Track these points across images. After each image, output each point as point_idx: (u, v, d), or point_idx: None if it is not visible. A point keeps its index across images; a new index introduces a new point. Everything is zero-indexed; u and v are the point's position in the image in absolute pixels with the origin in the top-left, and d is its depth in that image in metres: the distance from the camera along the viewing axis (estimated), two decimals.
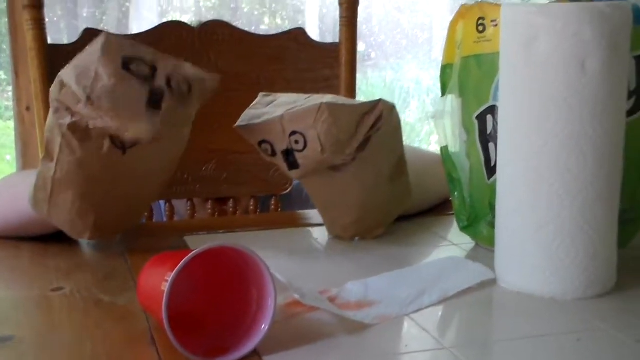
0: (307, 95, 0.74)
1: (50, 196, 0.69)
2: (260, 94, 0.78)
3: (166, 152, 0.70)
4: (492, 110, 0.72)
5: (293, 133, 0.70)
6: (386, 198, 0.78)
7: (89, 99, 0.62)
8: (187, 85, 0.67)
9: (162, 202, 1.15)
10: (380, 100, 0.71)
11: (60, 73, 0.65)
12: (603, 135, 0.60)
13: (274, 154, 0.73)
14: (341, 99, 0.73)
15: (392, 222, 0.81)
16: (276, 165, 0.74)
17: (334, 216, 0.79)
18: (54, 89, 0.65)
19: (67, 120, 0.64)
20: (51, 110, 0.66)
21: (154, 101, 0.64)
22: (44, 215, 0.71)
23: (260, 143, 0.73)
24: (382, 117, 0.71)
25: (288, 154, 0.71)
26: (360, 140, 0.71)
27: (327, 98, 0.71)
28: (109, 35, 0.64)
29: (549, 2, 0.67)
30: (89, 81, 0.62)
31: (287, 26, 2.38)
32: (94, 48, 0.63)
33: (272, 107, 0.74)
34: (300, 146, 0.70)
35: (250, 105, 0.76)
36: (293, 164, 0.72)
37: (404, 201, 0.80)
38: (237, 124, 0.74)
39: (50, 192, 0.69)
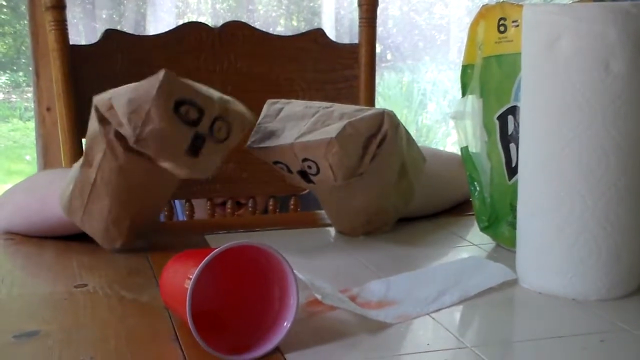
0: (314, 106, 0.73)
1: (86, 204, 0.70)
2: (268, 102, 0.78)
3: None
4: (513, 110, 0.72)
5: (305, 160, 0.70)
6: (392, 200, 0.78)
7: (137, 140, 0.64)
8: (227, 129, 0.68)
9: (181, 202, 1.16)
10: (384, 114, 0.71)
11: (112, 94, 0.65)
12: (626, 136, 0.59)
13: (289, 172, 0.74)
14: (346, 110, 0.72)
15: (412, 222, 0.81)
16: None
17: (342, 219, 0.79)
18: (100, 103, 0.65)
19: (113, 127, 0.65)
20: (95, 119, 0.66)
21: (194, 149, 0.66)
22: (78, 223, 0.72)
23: (275, 162, 0.74)
24: (387, 136, 0.71)
25: (304, 175, 0.72)
26: (368, 161, 0.72)
27: (335, 114, 0.70)
28: (168, 74, 0.64)
29: (572, 2, 0.67)
30: (140, 121, 0.63)
31: (303, 28, 2.38)
32: (151, 84, 0.64)
33: (281, 122, 0.74)
34: (313, 171, 0.71)
35: (260, 118, 0.76)
36: (309, 181, 0.73)
37: (409, 199, 0.80)
38: (249, 143, 0.74)
39: (86, 200, 0.69)
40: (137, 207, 0.71)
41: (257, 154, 0.74)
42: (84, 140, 1.04)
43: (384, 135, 0.71)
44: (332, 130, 0.69)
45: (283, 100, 0.77)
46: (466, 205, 0.91)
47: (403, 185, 0.78)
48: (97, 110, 0.66)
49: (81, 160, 0.69)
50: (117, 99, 0.64)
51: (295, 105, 0.75)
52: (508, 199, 0.73)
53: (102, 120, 0.66)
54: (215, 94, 0.68)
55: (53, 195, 0.74)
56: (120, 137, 0.65)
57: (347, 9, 2.50)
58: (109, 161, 0.66)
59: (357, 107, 0.73)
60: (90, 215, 0.70)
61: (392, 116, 0.72)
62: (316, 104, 0.75)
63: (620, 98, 0.59)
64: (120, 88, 0.66)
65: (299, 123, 0.72)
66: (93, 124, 0.67)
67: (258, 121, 0.75)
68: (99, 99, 0.66)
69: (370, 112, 0.71)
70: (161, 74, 0.64)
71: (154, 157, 0.65)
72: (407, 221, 0.83)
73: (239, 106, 0.70)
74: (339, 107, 0.73)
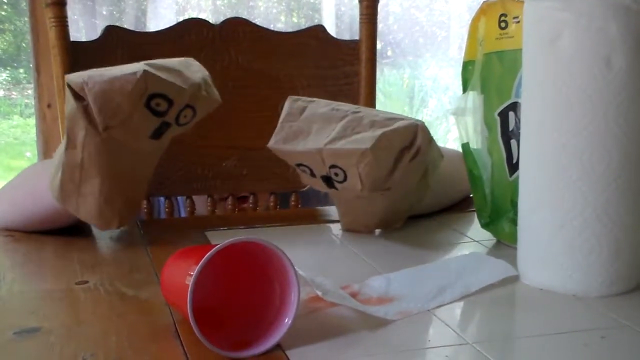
0: (341, 109, 0.72)
1: (79, 185, 0.69)
2: (290, 98, 0.76)
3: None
4: (514, 107, 0.72)
5: (333, 166, 0.70)
6: (409, 200, 0.78)
7: (105, 128, 0.66)
8: (192, 115, 0.70)
9: (182, 198, 1.16)
10: (417, 128, 0.69)
11: (86, 77, 0.66)
12: (628, 132, 0.59)
13: (313, 175, 0.73)
14: (375, 117, 0.70)
15: (413, 219, 0.81)
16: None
17: (356, 219, 0.79)
18: (73, 83, 0.66)
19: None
20: (71, 98, 0.66)
21: (158, 134, 0.69)
22: (72, 208, 0.71)
23: (298, 165, 0.73)
24: (420, 151, 0.70)
25: (327, 180, 0.72)
26: (398, 177, 0.71)
27: (365, 121, 0.69)
28: (147, 74, 0.65)
29: None
30: (110, 112, 0.65)
31: (303, 24, 2.38)
32: (128, 80, 0.64)
33: (306, 123, 0.72)
34: (340, 178, 0.70)
35: (282, 117, 0.74)
36: (332, 186, 0.72)
37: (423, 197, 0.80)
38: (271, 143, 0.73)
39: (78, 181, 0.69)
40: (127, 183, 0.71)
41: (279, 154, 0.73)
42: None
43: (417, 150, 0.70)
44: (366, 139, 0.68)
45: (305, 98, 0.75)
46: (467, 201, 0.91)
47: (421, 186, 0.77)
48: (70, 88, 0.66)
49: (64, 143, 0.69)
50: (91, 84, 0.65)
51: (320, 105, 0.74)
52: (509, 196, 0.73)
53: (78, 98, 0.66)
54: (187, 80, 0.68)
55: (42, 186, 0.73)
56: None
57: (348, 5, 2.50)
58: (92, 136, 0.67)
59: (387, 113, 0.72)
60: (84, 198, 0.70)
61: (425, 130, 0.70)
62: (343, 106, 0.73)
63: (622, 94, 0.59)
64: (94, 71, 0.66)
65: (326, 126, 0.71)
66: (70, 103, 0.67)
67: (281, 119, 0.74)
68: (73, 79, 0.66)
69: (403, 123, 0.70)
70: (140, 71, 0.64)
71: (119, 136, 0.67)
72: (408, 218, 0.83)
73: (209, 89, 0.71)
74: (367, 113, 0.71)
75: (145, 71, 0.64)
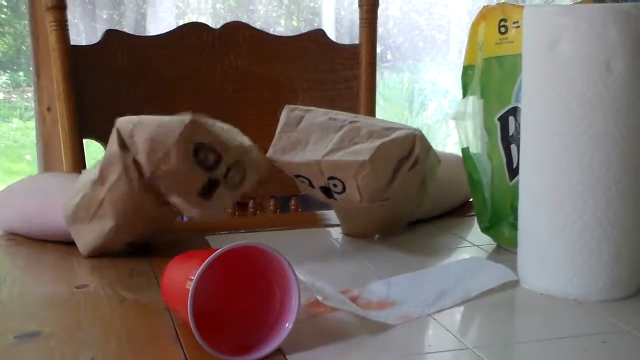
0: (338, 119, 0.71)
1: (92, 219, 0.70)
2: (287, 107, 0.76)
3: None
4: (514, 111, 0.72)
5: (331, 178, 0.70)
6: (408, 207, 0.78)
7: (153, 175, 0.65)
8: (242, 176, 0.70)
9: None
10: (415, 138, 0.69)
11: (136, 123, 0.66)
12: (628, 136, 0.59)
13: (311, 186, 0.73)
14: (373, 127, 0.70)
15: (413, 224, 0.81)
16: None
17: (356, 225, 0.79)
18: (123, 129, 0.66)
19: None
20: (116, 142, 0.66)
21: (207, 192, 0.68)
22: (74, 233, 0.72)
23: (297, 176, 0.73)
24: (419, 162, 0.70)
25: (326, 191, 0.72)
26: (397, 187, 0.71)
27: (363, 131, 0.69)
28: (195, 120, 0.65)
29: (573, 3, 0.67)
30: (157, 160, 0.65)
31: (303, 28, 2.38)
32: (176, 125, 0.65)
33: (304, 133, 0.72)
34: (338, 189, 0.70)
35: (280, 127, 0.74)
36: (331, 197, 0.72)
37: (422, 203, 0.80)
38: (270, 153, 0.73)
39: (92, 215, 0.70)
40: (138, 232, 0.72)
41: (278, 165, 0.74)
42: (84, 141, 1.05)
43: (415, 160, 0.70)
44: (364, 151, 0.67)
45: (302, 107, 0.75)
46: (467, 206, 0.91)
47: (420, 192, 0.77)
48: (118, 134, 0.66)
49: (94, 175, 0.69)
50: (140, 131, 0.65)
51: (317, 115, 0.73)
52: (509, 200, 0.73)
53: (123, 146, 0.66)
54: (235, 140, 0.69)
55: (56, 202, 0.73)
56: (137, 165, 0.66)
57: (348, 9, 2.50)
58: (122, 185, 0.67)
59: (384, 122, 0.72)
60: (89, 231, 0.71)
61: (423, 139, 0.70)
62: (340, 115, 0.73)
63: (621, 98, 0.59)
64: (144, 118, 0.67)
65: (323, 137, 0.71)
66: (112, 145, 0.67)
67: (278, 129, 0.74)
68: (122, 124, 0.66)
69: (401, 133, 0.70)
70: (188, 117, 0.65)
71: (164, 193, 0.66)
72: (408, 223, 0.83)
73: (256, 154, 0.71)
74: (365, 122, 0.71)
75: (193, 118, 0.65)
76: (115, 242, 0.71)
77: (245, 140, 0.71)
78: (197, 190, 0.67)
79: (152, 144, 0.64)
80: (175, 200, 0.66)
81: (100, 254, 0.72)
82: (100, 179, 0.68)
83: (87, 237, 0.71)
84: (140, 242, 0.74)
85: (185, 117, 0.65)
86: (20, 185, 0.84)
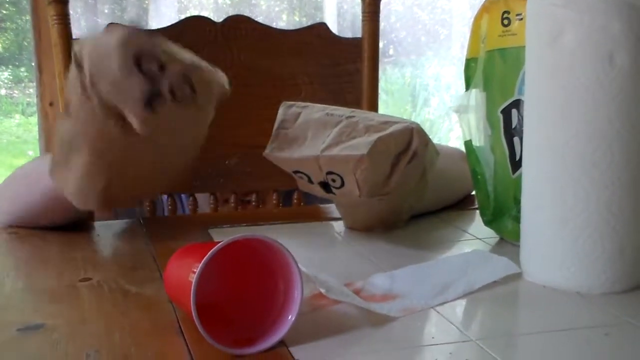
0: (335, 114, 0.71)
1: (68, 157, 0.68)
2: (283, 104, 0.76)
3: (183, 134, 0.70)
4: (517, 104, 0.72)
5: (330, 173, 0.70)
6: (409, 200, 0.78)
7: (92, 84, 0.64)
8: (191, 92, 0.67)
9: (185, 196, 1.16)
10: (413, 131, 0.69)
11: (84, 43, 0.66)
12: (630, 129, 0.59)
13: (310, 182, 0.73)
14: (370, 122, 0.70)
15: (416, 217, 0.81)
16: None
17: (357, 219, 0.79)
18: (77, 45, 0.66)
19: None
20: (73, 68, 0.66)
21: (150, 103, 0.66)
22: (60, 183, 0.70)
23: (296, 172, 0.73)
24: (417, 155, 0.70)
25: (325, 186, 0.72)
26: (395, 181, 0.70)
27: (360, 126, 0.69)
28: (137, 26, 0.65)
29: None
30: (101, 66, 0.64)
31: (305, 22, 2.38)
32: (117, 31, 0.64)
33: (301, 129, 0.72)
34: (337, 184, 0.70)
35: (277, 124, 0.74)
36: (330, 192, 0.72)
37: (423, 196, 0.80)
38: (267, 150, 0.73)
39: (68, 151, 0.68)
40: (114, 170, 0.69)
41: (276, 162, 0.73)
42: None
43: (413, 153, 0.70)
44: (362, 145, 0.67)
45: (299, 104, 0.75)
46: (469, 199, 0.91)
47: (420, 186, 0.77)
48: (74, 54, 0.66)
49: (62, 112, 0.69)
50: (87, 43, 0.65)
51: (314, 111, 0.73)
52: (512, 193, 0.73)
53: (78, 65, 0.66)
54: (185, 56, 0.67)
55: (37, 170, 0.73)
56: (92, 80, 0.65)
57: (350, 3, 2.49)
58: (84, 107, 0.65)
59: (381, 117, 0.72)
60: (69, 171, 0.69)
61: (421, 132, 0.70)
62: (337, 110, 0.73)
63: (625, 91, 0.59)
64: (94, 34, 0.66)
65: (321, 132, 0.71)
66: (72, 71, 0.67)
67: (275, 126, 0.74)
68: (77, 47, 0.66)
69: (398, 126, 0.69)
70: (125, 27, 0.64)
71: (106, 100, 0.65)
72: (411, 216, 0.83)
73: (209, 74, 0.69)
74: (362, 117, 0.71)
75: (134, 27, 0.65)
76: (96, 185, 0.69)
77: (199, 60, 0.69)
78: (138, 97, 0.64)
79: (96, 50, 0.64)
80: (126, 113, 0.65)
81: (105, 208, 0.70)
82: (65, 107, 0.67)
83: (68, 180, 0.70)
84: (148, 198, 0.71)
85: (125, 26, 0.65)
86: (9, 178, 0.83)
